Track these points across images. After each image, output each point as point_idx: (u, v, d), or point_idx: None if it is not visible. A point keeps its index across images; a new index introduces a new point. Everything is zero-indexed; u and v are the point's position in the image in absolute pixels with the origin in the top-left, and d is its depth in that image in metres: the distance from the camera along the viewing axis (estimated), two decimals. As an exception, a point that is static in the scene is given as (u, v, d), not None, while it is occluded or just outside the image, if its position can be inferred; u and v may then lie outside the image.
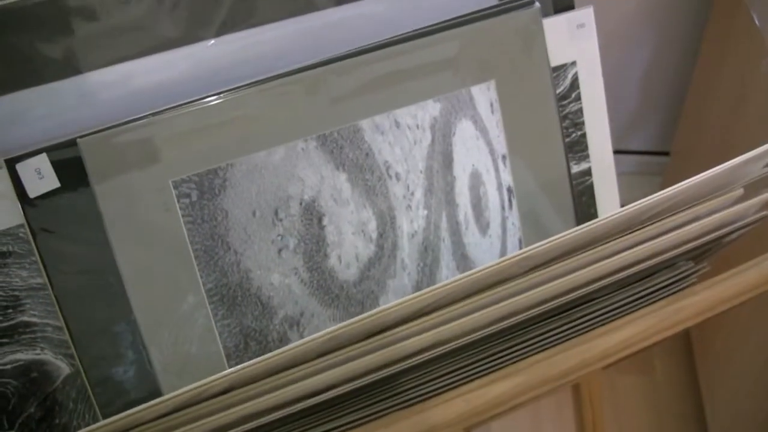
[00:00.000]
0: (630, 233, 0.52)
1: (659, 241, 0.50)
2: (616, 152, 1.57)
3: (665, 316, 0.50)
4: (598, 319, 0.53)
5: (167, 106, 0.62)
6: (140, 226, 0.63)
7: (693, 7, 1.40)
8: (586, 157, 0.80)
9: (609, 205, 0.82)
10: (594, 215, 0.83)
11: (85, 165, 0.60)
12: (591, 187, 0.82)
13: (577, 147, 0.80)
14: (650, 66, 1.49)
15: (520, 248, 0.76)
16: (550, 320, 0.52)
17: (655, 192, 1.46)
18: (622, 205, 0.84)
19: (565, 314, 0.53)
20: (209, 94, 0.63)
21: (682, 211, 0.53)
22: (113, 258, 0.63)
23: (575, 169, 0.80)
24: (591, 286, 0.51)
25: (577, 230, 0.50)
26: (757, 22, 1.07)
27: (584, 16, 0.76)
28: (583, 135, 0.80)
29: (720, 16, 1.31)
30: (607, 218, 0.51)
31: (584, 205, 0.82)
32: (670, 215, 0.53)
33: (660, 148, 1.61)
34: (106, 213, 0.62)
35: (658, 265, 0.52)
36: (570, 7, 0.77)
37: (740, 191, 0.55)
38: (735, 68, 1.23)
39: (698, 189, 0.52)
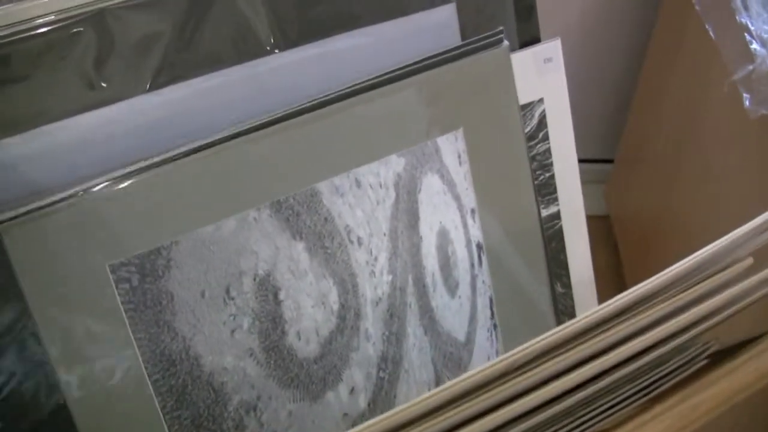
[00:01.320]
0: (633, 317, 0.49)
1: (666, 326, 0.47)
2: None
3: (682, 415, 0.46)
4: (601, 421, 0.49)
5: (99, 180, 0.57)
6: (74, 317, 0.57)
7: (639, 13, 1.39)
8: (555, 200, 0.77)
9: (579, 249, 0.80)
10: (564, 261, 0.79)
11: (8, 256, 0.54)
12: (560, 231, 0.78)
13: (544, 190, 0.77)
14: (592, 72, 1.47)
15: (491, 308, 0.72)
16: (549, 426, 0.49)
17: (598, 201, 1.44)
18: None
19: (566, 417, 0.49)
20: (147, 164, 0.58)
21: (689, 288, 0.49)
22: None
23: (543, 213, 0.76)
24: (592, 386, 0.47)
25: (574, 322, 0.46)
26: (712, 35, 1.05)
27: (551, 49, 0.73)
28: (552, 176, 0.77)
29: (668, 24, 1.30)
30: (606, 306, 0.48)
31: (554, 251, 0.79)
32: (677, 295, 0.49)
33: (603, 156, 1.59)
34: (34, 308, 0.56)
35: (668, 353, 0.49)
36: (536, 40, 0.74)
37: (749, 260, 0.52)
38: (685, 78, 1.22)
39: (699, 264, 0.48)
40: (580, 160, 1.58)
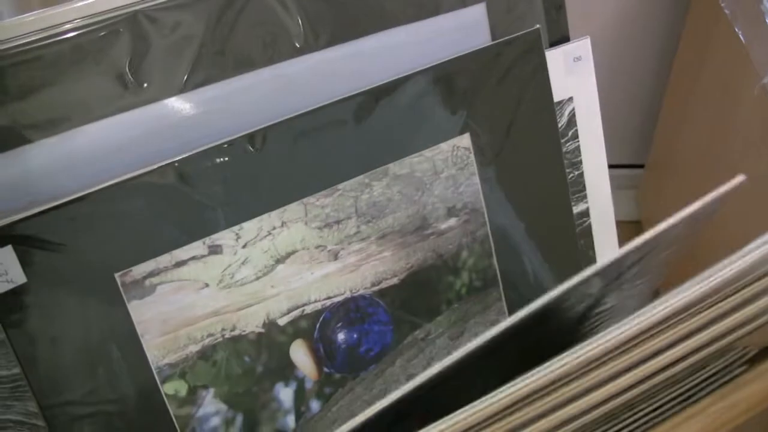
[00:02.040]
0: (674, 326, 0.50)
1: (709, 332, 0.48)
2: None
3: (717, 415, 0.47)
4: (642, 426, 0.50)
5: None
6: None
7: (667, 17, 1.40)
8: (584, 198, 0.79)
9: (608, 248, 0.81)
10: (593, 258, 0.81)
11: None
12: (589, 228, 0.80)
13: (574, 188, 0.79)
14: (622, 77, 1.49)
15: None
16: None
17: (630, 206, 1.45)
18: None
19: (608, 424, 0.50)
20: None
21: (729, 297, 0.50)
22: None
23: (573, 210, 0.78)
24: (636, 389, 0.48)
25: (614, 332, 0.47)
26: (742, 38, 1.06)
27: (581, 48, 0.75)
28: (581, 174, 0.78)
29: (697, 26, 1.31)
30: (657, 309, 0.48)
31: (583, 247, 0.80)
32: (716, 303, 0.50)
33: (634, 161, 1.60)
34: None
35: (707, 358, 0.50)
36: (566, 38, 0.75)
37: None
38: (714, 82, 1.23)
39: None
40: (611, 166, 1.59)
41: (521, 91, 0.70)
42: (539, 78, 0.69)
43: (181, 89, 0.62)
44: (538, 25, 0.69)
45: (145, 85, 0.60)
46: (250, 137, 0.61)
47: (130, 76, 0.60)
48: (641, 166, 1.59)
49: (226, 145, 0.61)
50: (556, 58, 0.73)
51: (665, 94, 1.46)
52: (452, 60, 0.66)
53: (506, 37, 0.67)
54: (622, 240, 1.49)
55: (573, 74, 0.74)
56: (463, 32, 0.67)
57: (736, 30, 1.08)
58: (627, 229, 1.61)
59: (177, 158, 0.60)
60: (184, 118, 0.62)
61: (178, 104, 0.62)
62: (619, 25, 1.41)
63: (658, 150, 1.51)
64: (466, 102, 0.67)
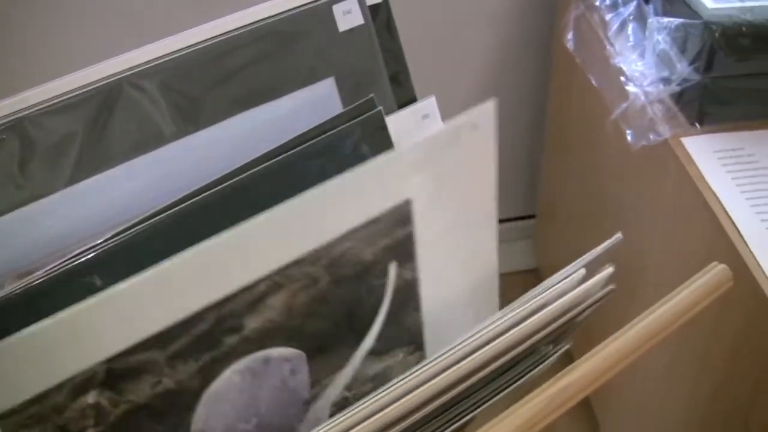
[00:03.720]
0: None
1: (511, 333, 0.59)
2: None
3: (552, 397, 0.59)
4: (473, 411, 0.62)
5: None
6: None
7: (535, 71, 1.56)
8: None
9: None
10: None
11: None
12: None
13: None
14: (502, 133, 1.63)
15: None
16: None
17: (526, 255, 1.58)
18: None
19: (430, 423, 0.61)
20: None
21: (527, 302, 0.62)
22: None
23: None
24: (454, 389, 0.59)
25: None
26: (594, 83, 1.22)
27: (428, 106, 0.87)
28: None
29: (559, 78, 1.47)
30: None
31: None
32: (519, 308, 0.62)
33: (526, 212, 1.75)
34: None
35: (518, 356, 0.62)
36: (413, 100, 0.88)
37: (582, 271, 0.65)
38: (579, 126, 1.38)
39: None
40: (504, 220, 1.74)
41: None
42: (382, 142, 0.79)
43: (66, 183, 0.73)
44: (371, 94, 0.79)
45: (33, 182, 0.71)
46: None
47: (19, 176, 0.71)
48: (533, 216, 1.74)
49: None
50: (403, 118, 0.83)
51: (545, 144, 1.62)
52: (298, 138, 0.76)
53: (345, 109, 0.78)
54: (522, 288, 1.63)
55: (423, 131, 0.85)
56: (316, 106, 0.80)
57: (589, 76, 1.24)
58: (525, 278, 1.75)
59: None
60: (69, 211, 0.73)
61: (64, 198, 0.73)
62: (494, 84, 1.57)
63: (546, 198, 1.66)
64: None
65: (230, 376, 0.65)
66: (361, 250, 0.70)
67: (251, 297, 0.65)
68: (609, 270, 0.62)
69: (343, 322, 0.71)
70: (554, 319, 0.58)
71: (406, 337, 0.76)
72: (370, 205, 0.71)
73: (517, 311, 0.59)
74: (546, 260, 1.69)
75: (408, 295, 0.76)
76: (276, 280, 0.66)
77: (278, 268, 0.66)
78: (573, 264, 0.62)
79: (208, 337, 0.64)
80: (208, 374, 0.65)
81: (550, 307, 0.58)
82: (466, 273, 0.82)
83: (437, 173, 0.75)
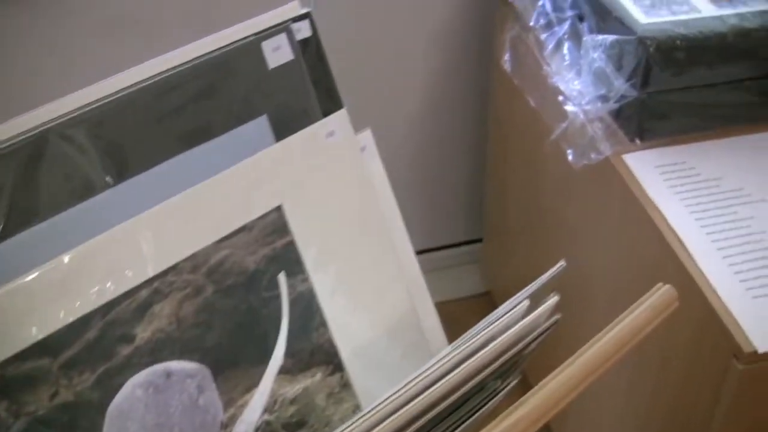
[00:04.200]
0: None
1: (458, 371, 0.59)
2: (428, 251, 1.71)
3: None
4: None
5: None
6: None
7: (474, 96, 1.57)
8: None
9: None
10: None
11: None
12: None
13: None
14: (443, 159, 1.65)
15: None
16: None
17: (476, 279, 1.59)
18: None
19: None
20: None
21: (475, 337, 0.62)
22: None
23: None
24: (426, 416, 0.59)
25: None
26: (532, 103, 1.23)
27: (364, 139, 0.87)
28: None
29: (499, 101, 1.48)
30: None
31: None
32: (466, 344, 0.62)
33: (473, 237, 1.76)
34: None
35: (465, 394, 0.61)
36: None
37: (526, 303, 0.65)
38: (520, 147, 1.39)
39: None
40: (451, 245, 1.75)
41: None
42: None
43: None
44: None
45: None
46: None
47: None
48: (480, 240, 1.75)
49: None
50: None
51: (486, 168, 1.63)
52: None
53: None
54: (475, 313, 1.63)
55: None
56: (250, 145, 0.79)
57: (527, 97, 1.25)
58: (477, 302, 1.76)
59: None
60: (3, 263, 0.72)
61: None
62: (433, 108, 1.58)
63: (491, 221, 1.67)
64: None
65: (131, 390, 0.65)
66: (242, 259, 0.72)
67: (135, 304, 0.66)
68: (554, 299, 0.62)
69: (241, 336, 0.72)
70: (501, 354, 0.58)
71: (320, 355, 0.76)
72: (238, 211, 0.73)
73: (463, 348, 0.59)
74: (497, 283, 1.69)
75: (308, 308, 0.76)
76: (157, 287, 0.67)
77: (154, 275, 0.68)
78: (517, 295, 0.62)
79: (100, 346, 0.64)
80: (107, 387, 0.65)
81: (495, 341, 0.58)
82: (374, 286, 0.82)
83: (303, 180, 0.77)
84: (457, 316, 1.70)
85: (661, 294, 0.62)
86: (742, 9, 1.07)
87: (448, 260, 1.75)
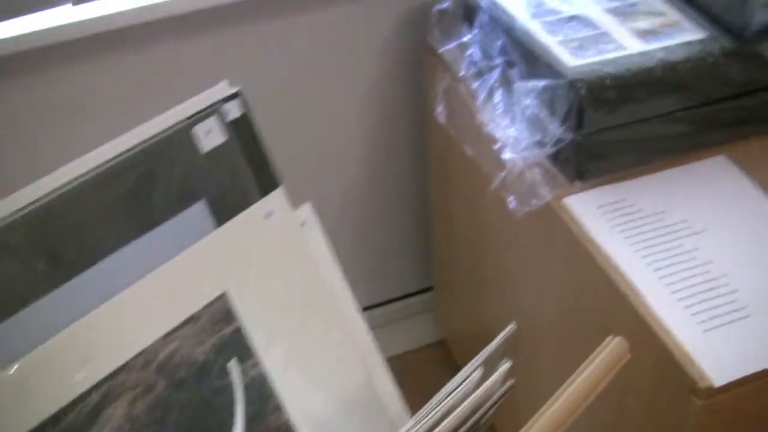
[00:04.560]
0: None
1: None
2: (382, 304, 1.72)
3: None
4: None
5: None
6: None
7: (412, 146, 1.58)
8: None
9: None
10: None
11: None
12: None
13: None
14: (388, 209, 1.65)
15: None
16: None
17: (431, 327, 1.59)
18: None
19: None
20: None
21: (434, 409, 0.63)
22: None
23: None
24: None
25: None
26: (470, 153, 1.24)
27: (304, 212, 0.87)
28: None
29: (437, 152, 1.48)
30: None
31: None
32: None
33: (424, 286, 1.76)
34: None
35: None
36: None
37: (480, 371, 0.66)
38: (460, 196, 1.40)
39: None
40: (403, 297, 1.75)
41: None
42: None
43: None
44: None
45: None
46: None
47: None
48: (431, 288, 1.76)
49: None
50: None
51: (431, 218, 1.64)
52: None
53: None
54: (432, 363, 1.64)
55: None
56: (190, 230, 0.79)
57: (464, 147, 1.26)
58: (433, 351, 1.76)
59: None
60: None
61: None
62: (372, 166, 1.59)
63: (441, 270, 1.67)
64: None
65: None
66: (191, 350, 0.72)
67: (87, 408, 0.66)
68: (506, 366, 0.63)
69: (197, 428, 0.72)
70: (461, 424, 0.59)
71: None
72: (183, 302, 0.73)
73: (424, 422, 0.59)
74: (451, 331, 1.70)
75: (261, 392, 0.76)
76: (108, 389, 0.67)
77: (104, 377, 0.67)
78: (470, 364, 0.63)
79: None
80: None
81: (454, 413, 0.58)
82: (326, 360, 0.82)
83: (245, 263, 0.77)
84: (414, 368, 1.71)
85: (612, 348, 0.63)
86: (668, 42, 1.09)
87: (402, 312, 1.76)
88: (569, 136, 1.06)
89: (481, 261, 1.39)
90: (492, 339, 1.28)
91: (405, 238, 1.68)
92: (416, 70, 1.44)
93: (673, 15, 1.15)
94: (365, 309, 1.70)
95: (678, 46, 1.09)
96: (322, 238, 0.85)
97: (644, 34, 1.11)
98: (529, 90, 1.10)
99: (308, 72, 1.41)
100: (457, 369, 1.59)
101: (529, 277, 1.22)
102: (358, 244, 1.63)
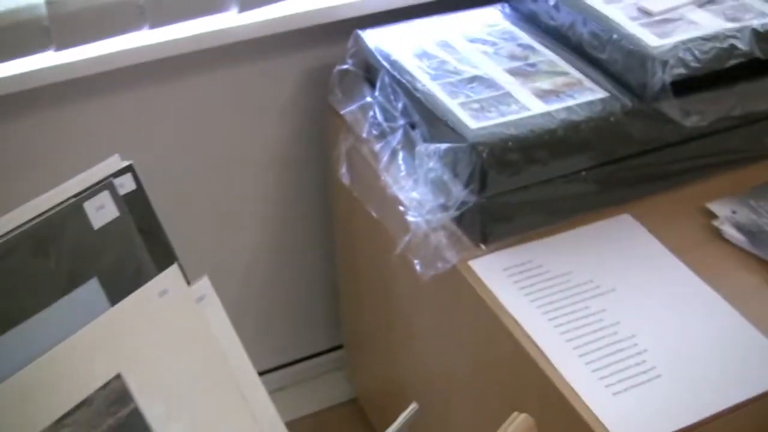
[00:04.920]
0: None
1: None
2: (293, 363, 1.70)
3: None
4: None
5: None
6: None
7: (318, 207, 1.57)
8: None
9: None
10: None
11: None
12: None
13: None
14: (296, 268, 1.64)
15: None
16: None
17: (343, 385, 1.57)
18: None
19: None
20: None
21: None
22: None
23: None
24: None
25: None
26: (375, 215, 1.23)
27: (202, 287, 0.85)
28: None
29: (343, 214, 1.47)
30: None
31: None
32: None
33: (334, 344, 1.75)
34: None
35: None
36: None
37: None
38: (371, 259, 1.39)
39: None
40: (313, 355, 1.74)
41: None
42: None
43: None
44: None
45: None
46: None
47: None
48: (342, 347, 1.74)
49: None
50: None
51: (339, 278, 1.62)
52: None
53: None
54: (345, 421, 1.62)
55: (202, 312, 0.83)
56: (85, 309, 0.77)
57: (369, 209, 1.25)
58: (346, 409, 1.74)
59: None
60: None
61: None
62: (278, 233, 1.58)
63: (350, 329, 1.66)
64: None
65: None
66: None
67: None
68: (410, 450, 0.62)
69: None
70: None
71: None
72: (76, 386, 0.71)
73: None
74: (362, 389, 1.68)
75: None
76: None
77: None
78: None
79: None
80: None
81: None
82: None
83: (140, 344, 0.75)
84: (327, 427, 1.69)
85: (517, 425, 0.62)
86: (570, 102, 1.10)
87: (314, 370, 1.74)
88: (473, 199, 1.06)
89: (389, 321, 1.38)
90: (403, 397, 1.27)
91: (313, 297, 1.67)
92: (320, 130, 1.44)
93: (575, 74, 1.16)
94: (276, 368, 1.69)
95: (580, 105, 1.10)
96: (221, 311, 0.83)
97: (546, 94, 1.12)
98: (431, 152, 1.10)
99: (209, 134, 1.40)
100: (371, 427, 1.57)
101: (438, 338, 1.21)
102: (266, 305, 1.62)
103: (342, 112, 1.27)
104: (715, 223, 1.12)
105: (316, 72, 1.39)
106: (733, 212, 1.13)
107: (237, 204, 1.49)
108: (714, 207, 1.14)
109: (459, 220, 1.08)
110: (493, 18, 1.32)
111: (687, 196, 1.17)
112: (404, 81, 1.16)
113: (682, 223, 1.13)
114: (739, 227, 1.10)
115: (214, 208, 1.47)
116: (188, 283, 0.86)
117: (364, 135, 1.23)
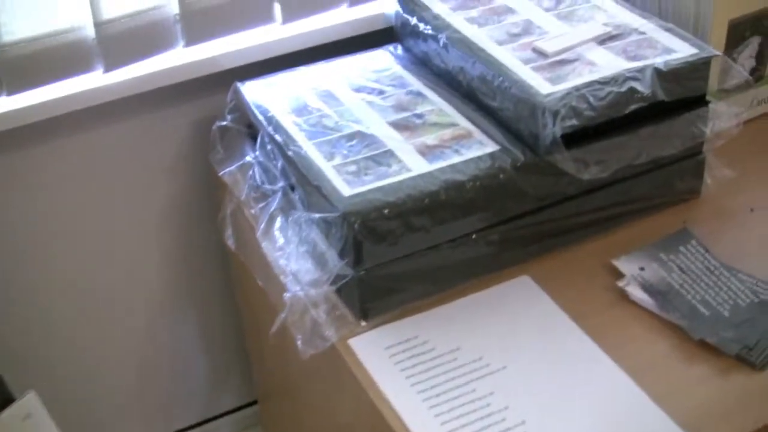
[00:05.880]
0: None
1: None
2: (209, 420, 1.64)
3: None
4: None
5: None
6: None
7: (214, 267, 1.50)
8: None
9: None
10: None
11: None
12: None
13: None
14: (204, 331, 1.57)
15: None
16: None
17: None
18: None
19: None
20: None
21: None
22: None
23: None
24: None
25: None
26: (260, 282, 1.16)
27: (29, 403, 0.79)
28: None
29: (235, 274, 1.41)
30: None
31: None
32: None
33: (248, 400, 1.69)
34: None
35: None
36: (11, 400, 0.80)
37: None
38: (266, 324, 1.32)
39: None
40: (233, 410, 1.67)
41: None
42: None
43: None
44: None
45: None
46: None
47: None
48: (256, 402, 1.68)
49: None
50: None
51: (245, 335, 1.56)
52: None
53: None
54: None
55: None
56: None
57: (255, 276, 1.18)
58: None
59: None
60: None
61: None
62: (175, 294, 1.50)
63: (262, 385, 1.58)
64: None
65: None
66: None
67: None
68: None
69: None
70: None
71: None
72: None
73: None
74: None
75: None
76: None
77: None
78: None
79: None
80: None
81: None
82: None
83: None
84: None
85: None
86: (456, 159, 1.03)
87: (232, 426, 1.69)
88: (349, 272, 0.99)
89: (291, 384, 1.30)
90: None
91: (227, 353, 1.61)
92: (209, 188, 1.36)
93: (465, 124, 1.09)
94: (193, 426, 1.63)
95: (466, 163, 1.02)
96: (51, 424, 0.78)
97: (431, 150, 1.05)
98: (307, 220, 1.02)
99: (89, 200, 1.32)
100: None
101: (329, 415, 1.14)
102: (178, 365, 1.57)
103: (220, 174, 1.20)
104: (620, 283, 1.04)
105: (203, 126, 1.31)
106: (641, 269, 1.06)
107: (130, 270, 1.43)
108: (620, 264, 1.06)
109: (338, 295, 1.01)
110: (383, 62, 1.24)
111: (592, 252, 1.10)
112: (280, 141, 1.09)
113: (585, 284, 1.06)
114: (647, 288, 1.03)
115: (109, 275, 1.40)
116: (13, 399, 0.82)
117: (243, 198, 1.15)
